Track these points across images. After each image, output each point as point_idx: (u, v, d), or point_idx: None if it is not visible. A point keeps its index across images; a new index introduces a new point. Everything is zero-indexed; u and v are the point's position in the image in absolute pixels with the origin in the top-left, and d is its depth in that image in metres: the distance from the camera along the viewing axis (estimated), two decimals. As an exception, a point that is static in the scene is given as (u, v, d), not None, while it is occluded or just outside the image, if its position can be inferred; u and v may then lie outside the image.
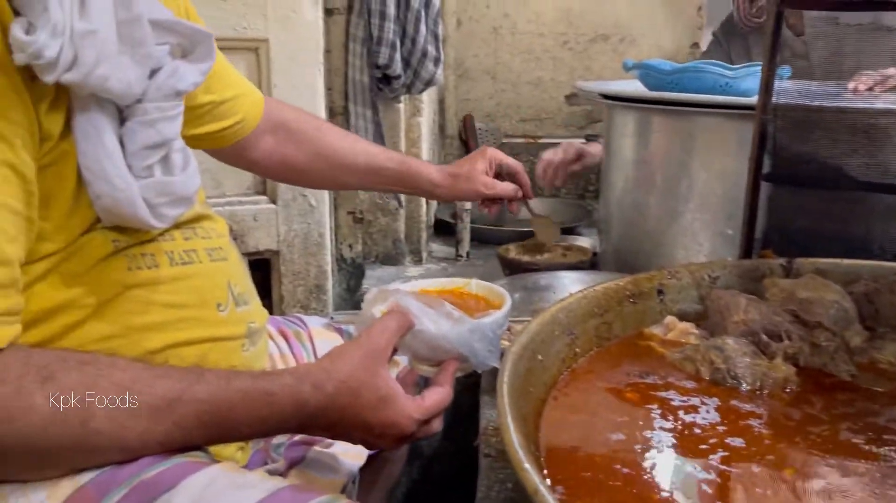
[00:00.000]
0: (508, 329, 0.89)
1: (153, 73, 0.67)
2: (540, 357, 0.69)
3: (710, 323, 0.85)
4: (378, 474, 1.07)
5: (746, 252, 1.03)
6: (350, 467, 0.91)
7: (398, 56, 1.73)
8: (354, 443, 0.73)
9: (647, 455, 0.61)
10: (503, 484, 0.76)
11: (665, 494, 0.56)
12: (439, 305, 0.75)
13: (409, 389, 0.74)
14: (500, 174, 1.24)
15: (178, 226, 0.77)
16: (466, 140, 2.68)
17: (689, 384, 0.74)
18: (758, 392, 0.72)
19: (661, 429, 0.65)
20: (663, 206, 1.29)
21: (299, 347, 1.02)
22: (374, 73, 1.73)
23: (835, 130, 1.03)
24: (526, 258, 1.50)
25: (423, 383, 0.79)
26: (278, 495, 0.62)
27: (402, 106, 1.88)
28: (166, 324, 0.72)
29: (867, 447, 0.62)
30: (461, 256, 1.98)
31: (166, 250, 0.74)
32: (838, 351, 0.77)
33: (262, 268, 1.66)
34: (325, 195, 1.65)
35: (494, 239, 1.95)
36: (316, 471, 0.87)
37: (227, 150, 1.03)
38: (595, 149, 1.73)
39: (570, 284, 1.27)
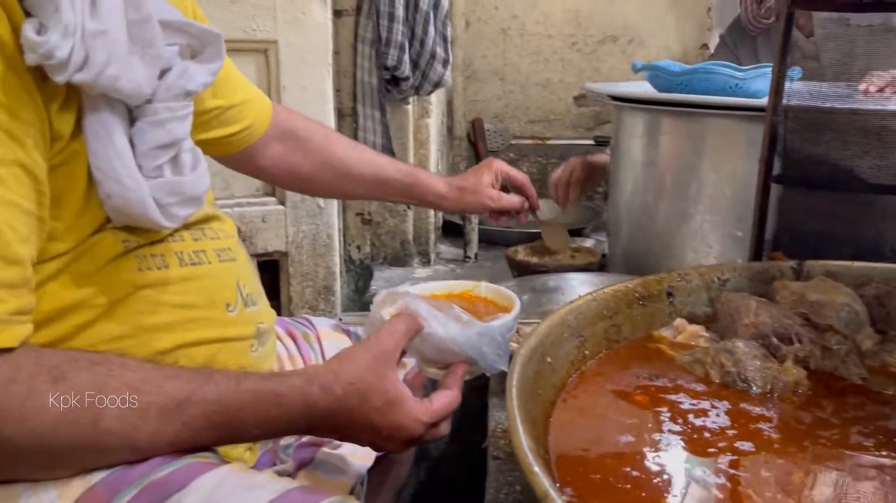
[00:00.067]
0: (517, 331, 0.89)
1: (163, 73, 0.68)
2: (549, 359, 0.69)
3: (719, 325, 0.84)
4: (386, 476, 1.07)
5: (756, 254, 1.02)
6: (358, 468, 0.91)
7: (407, 57, 1.73)
8: (362, 444, 0.73)
9: (656, 458, 0.61)
10: (511, 486, 0.75)
11: (674, 498, 0.56)
12: (448, 308, 0.75)
13: (417, 392, 0.74)
14: (506, 186, 1.25)
15: (187, 226, 0.77)
16: (475, 142, 2.68)
17: (699, 387, 0.73)
18: (768, 395, 0.72)
19: (671, 431, 0.65)
20: (672, 207, 1.28)
21: (307, 348, 1.02)
22: (382, 74, 1.73)
23: (846, 132, 1.02)
24: (534, 260, 1.50)
25: (431, 386, 0.79)
26: (288, 496, 0.62)
27: (410, 107, 1.88)
28: (176, 324, 0.73)
29: (878, 451, 0.62)
30: (469, 258, 1.98)
31: (176, 251, 0.75)
32: (849, 354, 0.77)
33: (271, 270, 1.66)
34: (334, 196, 1.66)
35: (503, 240, 1.95)
36: (324, 472, 0.87)
37: (235, 156, 1.03)
38: (602, 159, 1.73)
39: (579, 286, 1.27)
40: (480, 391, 0.99)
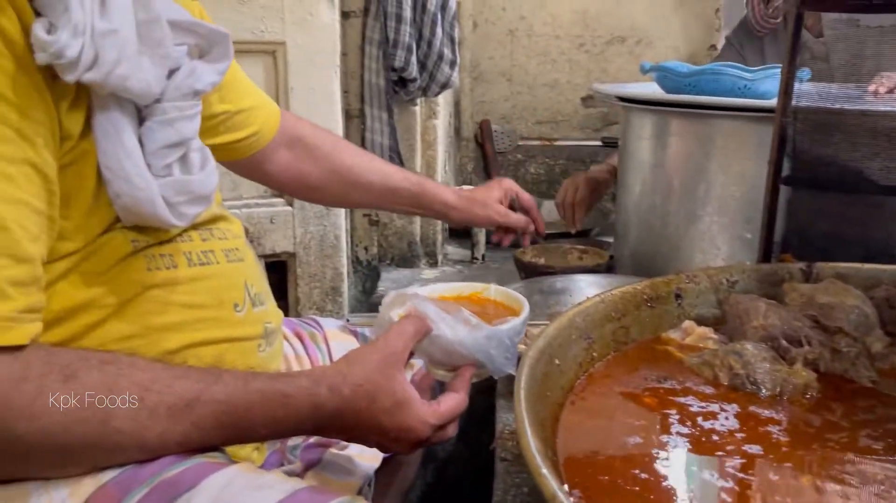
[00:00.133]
0: (525, 333, 0.89)
1: (171, 73, 0.68)
2: (557, 361, 0.68)
3: (728, 328, 0.84)
4: (393, 477, 1.07)
5: (765, 256, 1.02)
6: (365, 470, 0.91)
7: (414, 59, 1.73)
8: (369, 446, 0.73)
9: (664, 461, 0.61)
10: (519, 488, 0.75)
11: (682, 501, 0.56)
12: (456, 311, 0.75)
13: (425, 394, 0.74)
14: (514, 206, 1.26)
15: (195, 226, 0.78)
16: (483, 144, 2.68)
17: (708, 389, 0.73)
18: (777, 398, 0.71)
19: (679, 434, 0.65)
20: (681, 209, 1.28)
21: (314, 349, 1.02)
22: (389, 75, 1.73)
23: (855, 133, 1.02)
24: (542, 261, 1.49)
25: (439, 387, 0.79)
26: (297, 496, 0.62)
27: (417, 108, 1.88)
28: (184, 324, 0.73)
29: (887, 454, 0.61)
30: (477, 259, 1.98)
31: (184, 251, 0.75)
32: (859, 356, 0.76)
33: (279, 271, 1.66)
34: (341, 197, 1.66)
35: (512, 242, 1.94)
36: (332, 473, 0.87)
37: (243, 162, 1.03)
38: (603, 173, 1.73)
39: (587, 288, 1.27)
40: (488, 392, 0.99)
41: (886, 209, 1.08)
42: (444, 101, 2.03)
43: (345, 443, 0.90)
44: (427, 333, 0.74)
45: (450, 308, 0.75)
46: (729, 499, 0.56)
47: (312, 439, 0.90)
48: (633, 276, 1.26)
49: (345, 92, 1.73)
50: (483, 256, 1.98)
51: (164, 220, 0.68)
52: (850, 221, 1.08)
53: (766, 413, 0.68)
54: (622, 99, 1.39)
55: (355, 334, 1.08)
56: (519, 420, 0.54)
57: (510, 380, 0.88)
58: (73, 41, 0.57)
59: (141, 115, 0.67)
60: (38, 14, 0.57)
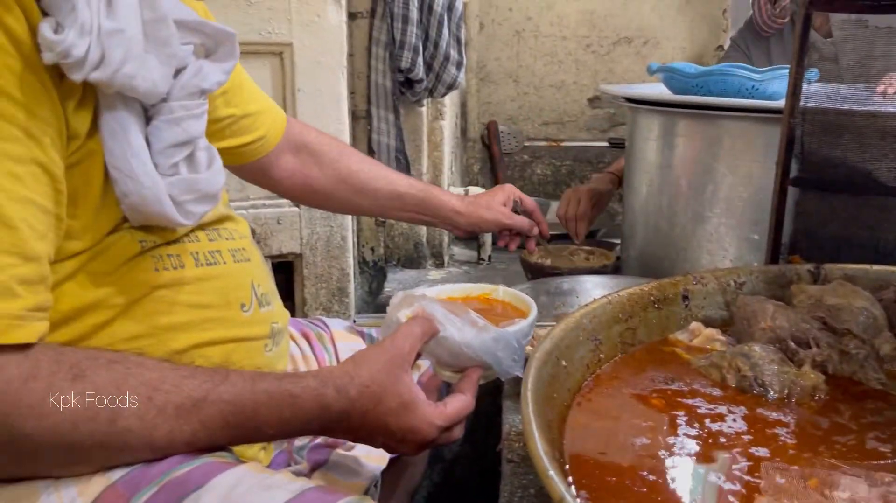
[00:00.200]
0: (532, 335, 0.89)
1: (178, 72, 0.68)
2: (564, 363, 0.68)
3: (736, 329, 0.84)
4: (400, 477, 1.07)
5: (773, 257, 1.01)
6: (372, 470, 0.91)
7: (421, 60, 1.73)
8: (376, 446, 0.73)
9: (671, 462, 0.61)
10: (526, 490, 0.75)
11: (691, 503, 0.56)
12: (464, 313, 0.75)
13: (432, 395, 0.74)
14: (517, 210, 1.27)
15: (202, 226, 0.78)
16: (490, 145, 2.68)
17: (716, 391, 0.73)
18: (785, 400, 0.71)
19: (686, 435, 0.65)
20: (688, 210, 1.28)
21: (321, 349, 1.02)
22: (396, 76, 1.74)
23: (864, 134, 1.01)
24: (549, 262, 1.49)
25: (446, 389, 0.79)
26: (304, 496, 0.63)
27: (424, 109, 1.88)
28: (191, 324, 0.73)
29: (895, 457, 0.61)
30: (483, 260, 1.98)
31: (191, 251, 0.75)
32: (868, 359, 0.76)
33: (285, 271, 1.67)
34: (348, 198, 1.66)
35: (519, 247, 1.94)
36: (338, 473, 0.88)
37: (248, 166, 1.03)
38: (604, 184, 1.73)
39: (593, 289, 1.26)
40: (494, 393, 0.99)
41: (895, 211, 1.08)
42: (450, 102, 2.03)
43: (351, 443, 0.90)
44: (434, 335, 0.74)
45: (457, 309, 0.75)
46: (735, 502, 0.56)
47: (319, 440, 0.90)
48: (639, 278, 1.26)
49: (351, 93, 1.73)
50: (489, 257, 1.98)
51: (172, 219, 0.68)
52: (859, 223, 1.07)
53: (774, 415, 0.68)
54: (629, 100, 1.38)
55: (362, 335, 1.09)
56: (526, 421, 0.54)
57: (517, 381, 0.88)
58: (80, 40, 0.57)
59: (148, 114, 0.67)
60: (45, 14, 0.58)
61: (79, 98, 0.62)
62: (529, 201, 1.29)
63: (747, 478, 0.58)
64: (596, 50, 2.75)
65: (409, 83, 1.77)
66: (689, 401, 0.71)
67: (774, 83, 1.23)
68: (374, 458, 0.91)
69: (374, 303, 1.83)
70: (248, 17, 1.49)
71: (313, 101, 1.55)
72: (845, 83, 1.38)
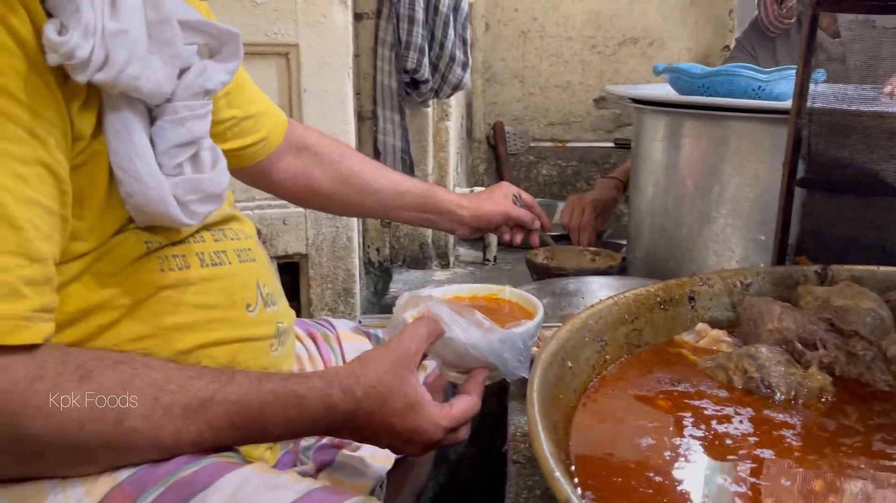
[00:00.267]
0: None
1: (182, 72, 0.68)
2: (570, 364, 0.68)
3: (742, 331, 0.84)
4: (405, 478, 1.07)
5: (780, 258, 1.01)
6: (378, 471, 0.91)
7: (426, 60, 1.73)
8: (382, 447, 0.73)
9: (677, 464, 0.61)
10: (531, 491, 0.75)
11: (697, 505, 0.55)
12: (470, 313, 0.75)
13: (438, 396, 0.74)
14: (516, 205, 1.28)
15: (207, 227, 0.78)
16: (496, 146, 2.68)
17: (722, 393, 0.73)
18: (792, 402, 0.71)
19: (693, 437, 0.64)
20: (694, 211, 1.27)
21: (327, 350, 1.03)
22: (402, 77, 1.74)
23: (872, 135, 1.01)
24: (554, 263, 1.49)
25: (452, 389, 0.79)
26: (311, 496, 0.63)
27: (429, 110, 1.88)
28: (197, 324, 0.73)
29: (903, 459, 0.61)
30: (489, 261, 1.98)
31: (197, 251, 0.75)
32: (875, 360, 0.76)
33: (291, 272, 1.67)
34: (354, 199, 1.66)
35: (522, 243, 1.94)
36: (344, 474, 0.88)
37: (249, 169, 1.03)
38: (608, 191, 1.73)
39: (599, 290, 1.26)
40: (500, 395, 0.98)
41: (902, 212, 1.07)
42: (456, 103, 2.03)
43: (357, 444, 0.90)
44: (440, 335, 0.74)
45: (463, 310, 0.75)
46: (743, 504, 0.56)
47: (325, 440, 0.90)
48: (645, 278, 1.26)
49: (357, 94, 1.73)
50: (495, 258, 1.98)
51: (176, 219, 0.68)
52: (866, 224, 1.07)
53: (781, 417, 0.68)
54: (635, 100, 1.38)
55: (368, 336, 1.09)
56: (532, 422, 0.54)
57: (523, 382, 0.88)
58: (84, 42, 0.57)
59: (152, 114, 0.67)
60: (49, 15, 0.58)
61: (83, 99, 0.62)
62: (527, 196, 1.30)
63: (753, 479, 0.58)
64: (602, 50, 2.75)
65: (415, 84, 1.77)
66: (696, 403, 0.71)
67: (781, 84, 1.23)
68: (379, 459, 0.91)
69: (380, 303, 1.83)
70: (254, 17, 1.49)
71: (319, 101, 1.55)
72: (853, 84, 1.37)
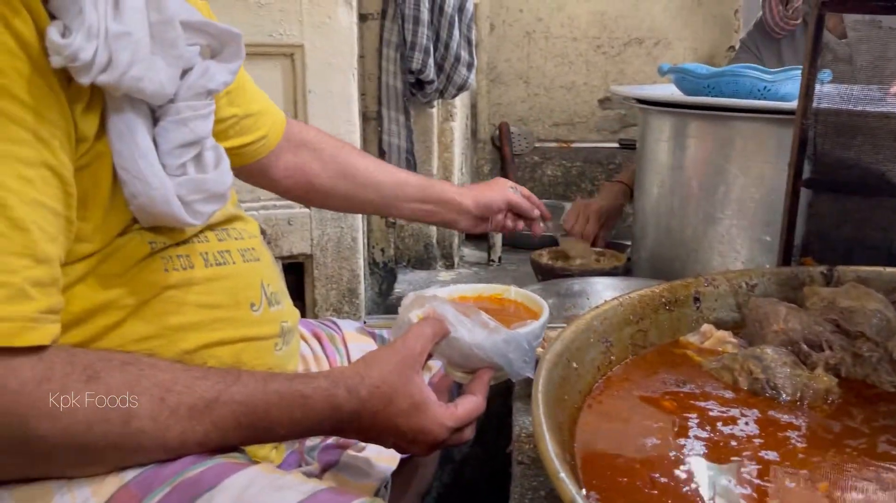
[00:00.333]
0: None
1: (184, 73, 0.68)
2: (575, 365, 0.68)
3: (747, 332, 0.84)
4: (410, 479, 1.07)
5: (785, 259, 1.01)
6: (383, 471, 0.91)
7: (431, 61, 1.73)
8: (387, 446, 0.73)
9: (682, 465, 0.60)
10: (536, 492, 0.75)
11: (702, 506, 0.55)
12: (475, 314, 0.75)
13: (443, 396, 0.74)
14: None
15: (211, 227, 0.78)
16: (501, 146, 2.68)
17: (727, 394, 0.72)
18: (798, 403, 0.71)
19: (697, 438, 0.64)
20: (699, 211, 1.27)
21: (333, 350, 1.03)
22: (407, 78, 1.74)
23: (878, 136, 1.01)
24: (559, 264, 1.49)
25: (457, 389, 0.79)
26: (317, 497, 0.63)
27: (434, 111, 1.88)
28: (201, 324, 0.73)
29: (909, 461, 0.61)
30: (493, 261, 1.98)
31: (201, 251, 0.75)
32: (881, 361, 0.76)
33: (296, 272, 1.67)
34: (359, 199, 1.66)
35: (527, 244, 1.94)
36: (349, 474, 0.88)
37: (248, 168, 1.03)
38: (617, 197, 1.72)
39: (604, 290, 1.26)
40: (505, 394, 0.98)
41: (909, 212, 1.07)
42: (460, 104, 2.03)
43: (362, 444, 0.90)
44: (445, 335, 0.74)
45: (468, 310, 0.75)
46: (748, 505, 0.55)
47: (330, 440, 0.90)
48: (650, 279, 1.25)
49: (362, 94, 1.73)
50: (499, 259, 1.98)
51: (180, 219, 0.68)
52: (872, 224, 1.07)
53: (786, 418, 0.68)
54: (640, 101, 1.38)
55: (373, 336, 1.09)
56: (537, 423, 0.54)
57: (527, 382, 0.88)
58: (88, 44, 0.57)
59: (155, 115, 0.67)
60: (52, 17, 0.58)
61: (86, 101, 0.62)
62: (524, 189, 1.29)
63: (758, 481, 0.58)
64: (607, 51, 2.74)
65: (420, 84, 1.77)
66: (701, 404, 0.70)
67: (787, 84, 1.23)
68: (384, 459, 0.92)
69: (385, 304, 1.83)
70: (259, 18, 1.49)
71: (324, 102, 1.56)
72: (859, 84, 1.37)
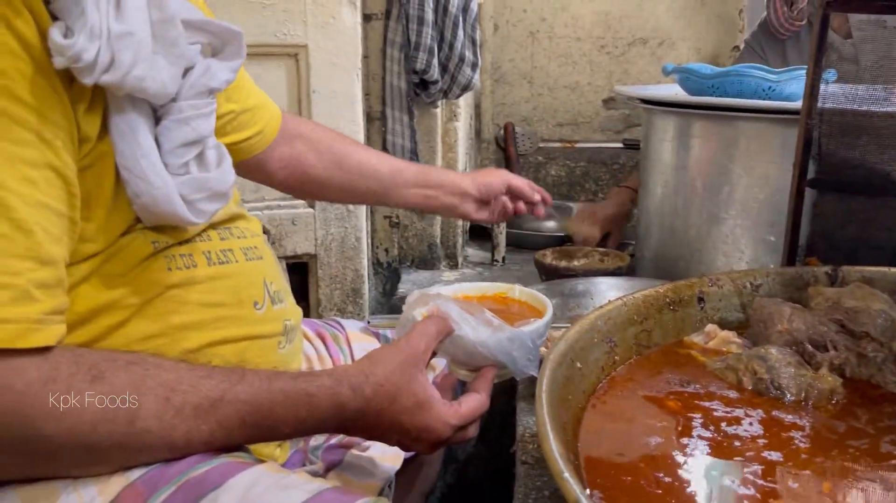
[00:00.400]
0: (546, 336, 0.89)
1: (186, 72, 0.68)
2: (578, 365, 0.68)
3: (752, 332, 0.83)
4: (414, 478, 1.07)
5: (790, 259, 1.01)
6: (387, 471, 0.91)
7: (436, 61, 1.73)
8: (391, 445, 0.74)
9: (686, 465, 0.60)
10: (540, 491, 0.75)
11: (706, 506, 0.55)
12: (479, 312, 0.75)
13: (447, 394, 0.74)
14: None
15: (213, 226, 0.78)
16: (506, 146, 2.68)
17: (732, 394, 0.72)
18: (802, 403, 0.71)
19: (701, 438, 0.64)
20: (703, 211, 1.27)
21: (336, 350, 1.03)
22: (411, 78, 1.74)
23: (883, 135, 1.01)
24: (563, 263, 1.49)
25: (461, 387, 0.79)
26: (321, 496, 0.63)
27: (438, 111, 1.89)
28: (204, 323, 0.73)
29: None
30: (497, 261, 1.98)
31: (203, 250, 0.75)
32: (886, 362, 0.75)
33: (300, 272, 1.67)
34: (362, 199, 1.66)
35: (531, 244, 1.94)
36: (353, 474, 0.88)
37: (245, 164, 1.02)
38: (623, 206, 1.72)
39: (608, 290, 1.26)
40: (509, 393, 0.98)
41: (914, 213, 1.07)
42: (464, 104, 2.03)
43: (366, 444, 0.90)
44: (449, 334, 0.74)
45: (472, 308, 0.75)
46: (752, 505, 0.55)
47: (334, 440, 0.90)
48: (654, 279, 1.25)
49: (366, 94, 1.74)
50: (503, 259, 1.98)
51: (183, 218, 0.68)
52: (877, 224, 1.06)
53: (790, 418, 0.68)
54: (644, 101, 1.38)
55: (377, 336, 1.09)
56: (541, 423, 0.54)
57: (531, 382, 0.88)
58: (90, 44, 0.57)
59: (157, 114, 0.67)
60: (54, 18, 0.58)
61: (88, 101, 0.62)
62: (523, 177, 1.28)
63: (761, 482, 0.58)
64: (611, 51, 2.74)
65: (424, 84, 1.77)
66: (705, 404, 0.70)
67: (791, 84, 1.23)
68: (388, 459, 0.92)
69: (388, 304, 1.83)
70: (263, 18, 1.50)
71: (328, 102, 1.56)
72: (864, 84, 1.37)
